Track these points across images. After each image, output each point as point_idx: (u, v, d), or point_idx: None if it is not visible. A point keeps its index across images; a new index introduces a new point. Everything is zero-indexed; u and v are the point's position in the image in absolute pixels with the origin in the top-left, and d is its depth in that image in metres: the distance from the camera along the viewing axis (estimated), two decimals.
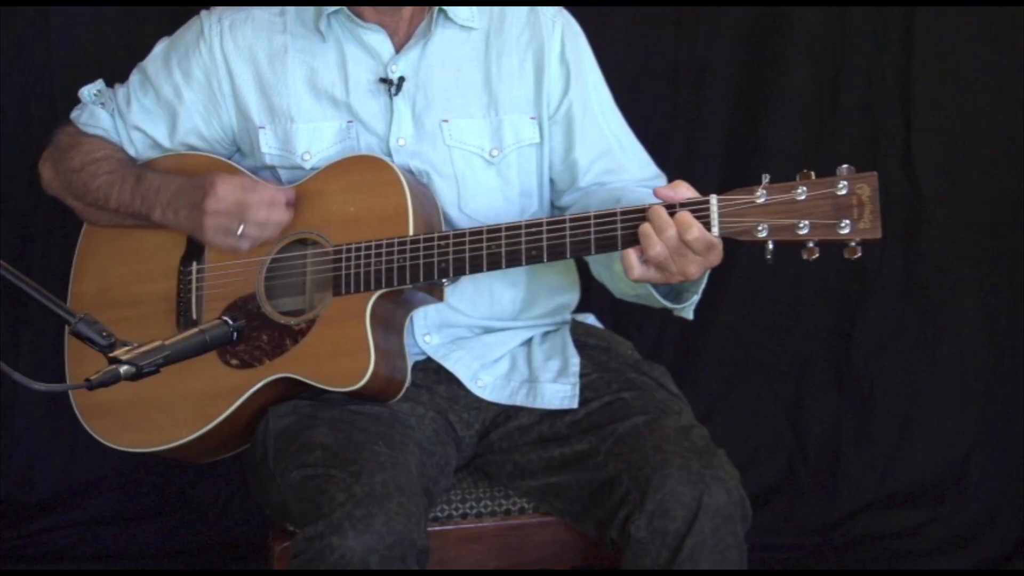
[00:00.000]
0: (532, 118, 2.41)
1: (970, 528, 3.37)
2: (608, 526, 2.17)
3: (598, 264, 2.37)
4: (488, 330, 2.44)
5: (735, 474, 2.14)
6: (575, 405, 2.33)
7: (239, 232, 2.29)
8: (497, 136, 2.39)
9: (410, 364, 2.34)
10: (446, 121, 2.38)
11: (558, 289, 2.50)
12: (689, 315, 2.28)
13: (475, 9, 2.41)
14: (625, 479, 2.14)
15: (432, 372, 2.41)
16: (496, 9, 2.42)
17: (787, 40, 3.31)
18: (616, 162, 2.42)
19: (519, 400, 2.37)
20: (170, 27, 2.55)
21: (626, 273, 2.12)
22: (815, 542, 3.37)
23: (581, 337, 2.46)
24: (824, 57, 3.32)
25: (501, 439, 2.38)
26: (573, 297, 2.54)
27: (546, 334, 2.48)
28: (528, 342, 2.46)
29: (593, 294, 2.58)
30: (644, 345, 3.18)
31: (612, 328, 2.62)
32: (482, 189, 2.39)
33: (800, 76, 3.32)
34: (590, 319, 2.57)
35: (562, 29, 2.43)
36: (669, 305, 2.24)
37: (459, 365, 2.40)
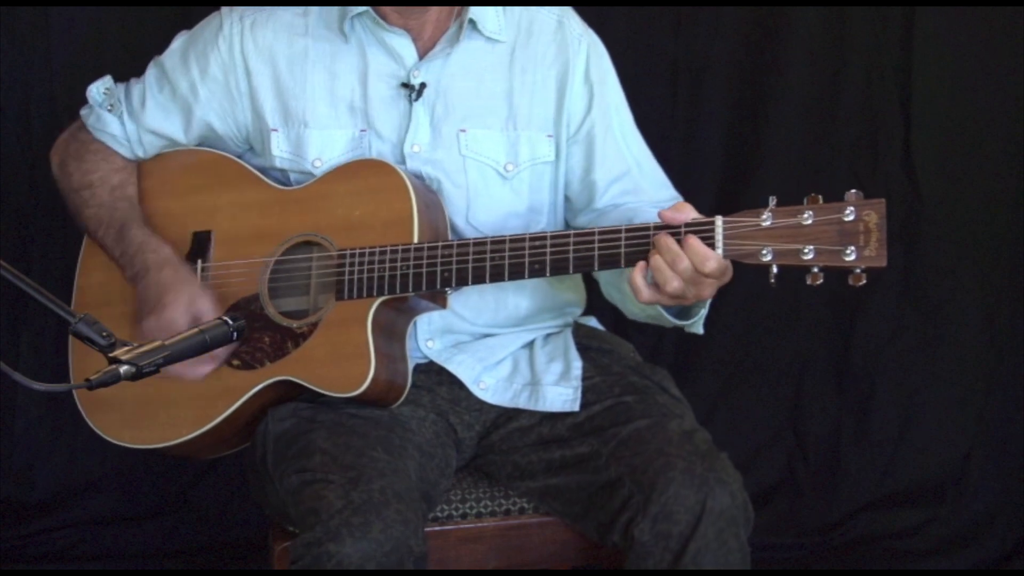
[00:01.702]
0: (549, 136, 2.40)
1: (970, 528, 3.37)
2: (610, 529, 2.17)
3: (609, 286, 2.36)
4: (490, 335, 2.44)
5: (738, 477, 2.13)
6: (576, 408, 2.32)
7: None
8: (513, 151, 2.38)
9: (411, 368, 2.33)
10: (464, 131, 2.37)
11: (564, 303, 2.50)
12: (699, 330, 2.27)
13: (503, 19, 2.39)
14: (628, 482, 2.14)
15: (433, 374, 2.40)
16: (524, 21, 2.41)
17: (787, 40, 3.31)
18: (634, 183, 2.41)
19: (521, 403, 2.36)
20: (170, 27, 2.54)
21: (635, 296, 2.11)
22: (815, 542, 3.37)
23: (583, 340, 2.46)
24: (824, 57, 3.32)
25: (501, 440, 2.38)
26: (576, 311, 2.54)
27: (548, 336, 2.48)
28: (530, 344, 2.45)
29: (595, 296, 2.57)
30: (645, 346, 3.18)
31: (613, 330, 2.62)
32: (492, 202, 2.38)
33: (800, 76, 3.32)
34: (592, 321, 2.56)
35: (588, 49, 2.42)
36: (679, 323, 2.23)
37: (461, 368, 2.39)
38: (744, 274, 3.30)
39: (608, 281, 2.36)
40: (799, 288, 3.35)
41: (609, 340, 2.50)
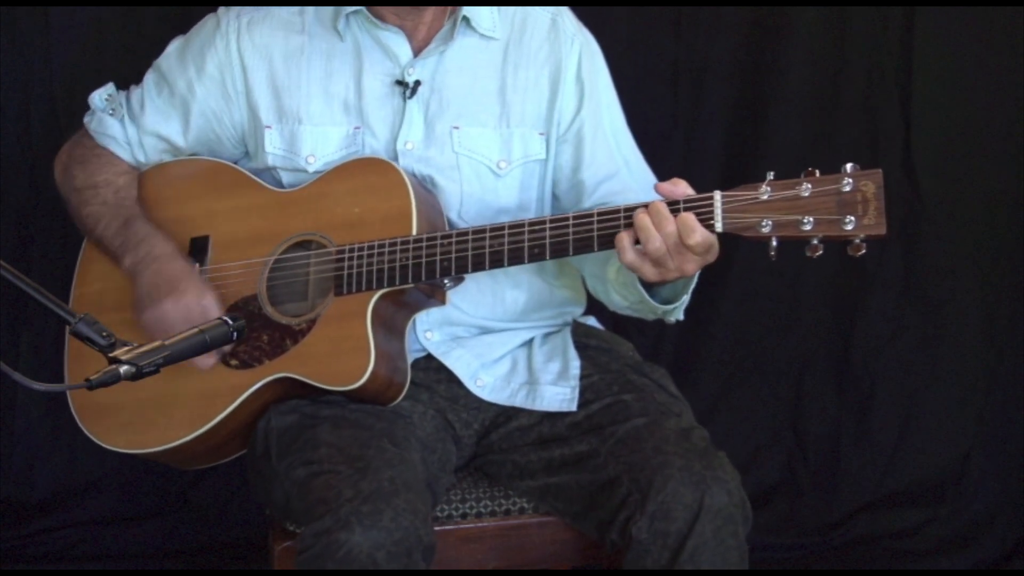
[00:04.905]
0: (541, 134, 2.40)
1: (970, 528, 3.37)
2: (609, 527, 2.17)
3: (593, 278, 2.38)
4: (488, 331, 2.44)
5: (736, 475, 2.14)
6: (573, 408, 2.32)
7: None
8: (506, 148, 2.39)
9: (410, 363, 2.33)
10: (457, 128, 2.38)
11: (562, 301, 2.50)
12: (680, 315, 2.28)
13: (497, 17, 2.40)
14: (626, 480, 2.15)
15: (433, 371, 2.40)
16: (518, 18, 2.42)
17: (787, 40, 3.31)
18: (622, 183, 2.41)
19: (518, 401, 2.37)
20: (170, 28, 2.55)
21: (619, 256, 2.11)
22: (815, 542, 3.38)
23: (582, 338, 2.46)
24: (824, 57, 3.32)
25: (501, 439, 2.38)
26: (576, 310, 2.54)
27: (547, 335, 2.48)
28: (529, 343, 2.46)
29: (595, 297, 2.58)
30: (644, 345, 3.17)
31: (612, 329, 2.62)
32: (485, 198, 2.39)
33: (800, 76, 3.33)
34: (591, 320, 2.56)
35: (580, 48, 2.42)
36: (662, 308, 2.24)
37: (459, 363, 2.39)
38: (744, 273, 3.34)
39: (592, 273, 2.37)
40: (800, 288, 3.38)
41: (608, 339, 2.50)
